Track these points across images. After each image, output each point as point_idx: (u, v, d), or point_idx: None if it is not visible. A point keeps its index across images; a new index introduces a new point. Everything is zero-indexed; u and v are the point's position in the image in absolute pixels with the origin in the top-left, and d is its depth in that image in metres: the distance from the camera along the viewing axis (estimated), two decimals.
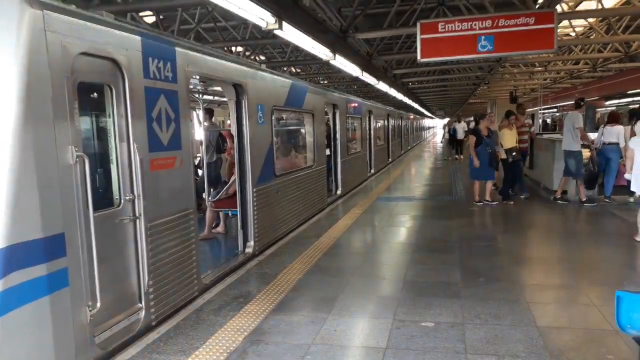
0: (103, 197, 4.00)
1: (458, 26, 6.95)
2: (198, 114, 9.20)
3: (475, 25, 6.88)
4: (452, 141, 23.28)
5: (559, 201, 9.80)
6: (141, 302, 4.18)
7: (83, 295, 3.47)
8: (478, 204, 9.97)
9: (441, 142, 28.92)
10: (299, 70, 20.87)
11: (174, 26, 11.20)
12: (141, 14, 11.87)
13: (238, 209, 6.48)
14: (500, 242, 7.09)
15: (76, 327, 3.39)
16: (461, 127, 22.47)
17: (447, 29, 7.00)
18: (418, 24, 7.18)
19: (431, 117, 55.68)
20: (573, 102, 10.72)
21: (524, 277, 5.56)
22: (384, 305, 4.73)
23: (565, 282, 5.36)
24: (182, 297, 4.76)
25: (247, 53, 15.53)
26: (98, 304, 3.56)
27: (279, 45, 15.36)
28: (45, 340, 3.14)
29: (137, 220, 4.13)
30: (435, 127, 69.21)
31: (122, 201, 4.03)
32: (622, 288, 3.11)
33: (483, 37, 6.84)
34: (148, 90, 4.29)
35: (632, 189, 6.65)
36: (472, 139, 9.84)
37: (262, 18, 5.50)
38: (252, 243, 6.50)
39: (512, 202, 10.05)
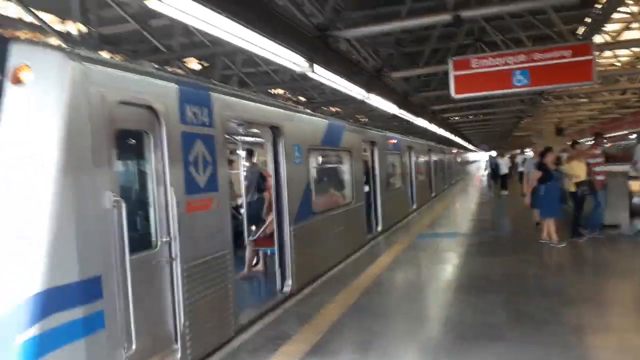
0: (141, 240, 4.10)
1: (492, 62, 6.91)
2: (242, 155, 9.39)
3: (509, 60, 6.82)
4: (495, 176, 22.01)
5: None
6: (177, 343, 4.20)
7: (119, 336, 3.53)
8: (547, 242, 8.89)
9: (484, 177, 27.72)
10: (338, 110, 21.15)
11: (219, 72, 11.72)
12: (187, 60, 12.46)
13: (276, 247, 6.51)
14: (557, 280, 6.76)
15: None
16: (504, 162, 21.43)
17: (480, 65, 6.97)
18: (450, 61, 7.19)
19: (475, 151, 54.76)
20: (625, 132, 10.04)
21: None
22: (424, 349, 4.56)
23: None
24: (218, 337, 4.75)
25: (287, 95, 15.90)
26: (134, 346, 3.60)
27: (318, 87, 15.68)
28: None
29: (174, 262, 4.20)
30: (480, 161, 68.03)
31: (159, 243, 4.13)
32: None
33: (518, 72, 6.76)
34: (185, 135, 4.44)
35: None
36: (537, 174, 8.91)
37: (295, 62, 5.64)
38: (290, 282, 6.48)
39: (581, 240, 9.03)
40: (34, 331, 2.91)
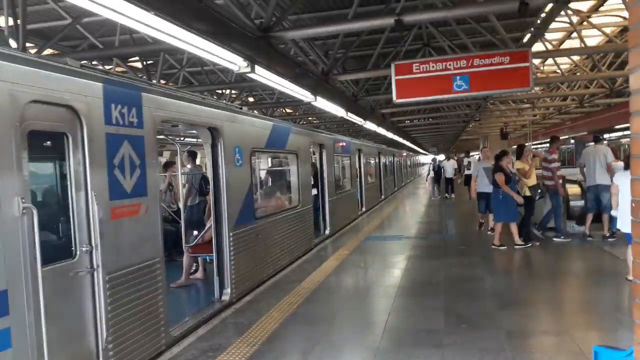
0: (58, 249, 3.80)
1: (432, 66, 6.93)
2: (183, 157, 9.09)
3: (450, 65, 6.87)
4: (438, 179, 21.43)
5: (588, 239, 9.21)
6: None
7: (29, 356, 3.23)
8: (500, 247, 8.99)
9: (426, 180, 25.26)
10: (290, 111, 21.01)
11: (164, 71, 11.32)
12: (131, 60, 11.99)
13: (214, 254, 6.27)
14: (490, 284, 6.86)
15: None
16: (451, 165, 20.47)
17: (421, 70, 6.98)
18: (392, 65, 7.18)
19: (425, 154, 55.97)
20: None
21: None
22: (362, 356, 4.49)
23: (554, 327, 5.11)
24: (147, 352, 4.48)
25: (234, 95, 15.61)
26: None
27: (268, 88, 15.49)
28: None
29: (95, 272, 3.92)
30: (429, 164, 69.68)
31: (78, 252, 3.84)
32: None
33: (458, 77, 6.82)
34: (110, 136, 4.16)
35: (617, 226, 6.47)
36: (502, 176, 8.82)
37: (233, 62, 5.45)
38: (228, 290, 6.25)
39: (538, 243, 9.17)
40: None
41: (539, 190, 9.77)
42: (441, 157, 25.93)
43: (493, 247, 9.07)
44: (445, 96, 7.23)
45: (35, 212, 3.28)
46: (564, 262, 8.10)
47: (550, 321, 5.30)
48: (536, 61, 14.21)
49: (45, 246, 3.40)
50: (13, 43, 7.16)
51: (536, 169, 10.24)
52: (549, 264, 8.03)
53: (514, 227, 9.06)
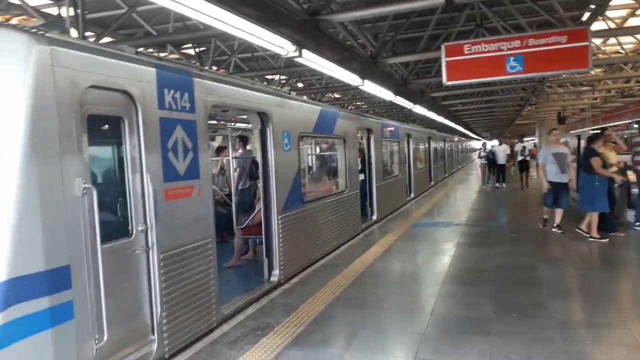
0: (116, 228, 4.00)
1: (485, 47, 6.69)
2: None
3: (503, 45, 6.60)
4: (491, 167, 19.28)
5: None
6: (154, 334, 4.11)
7: (89, 327, 3.43)
8: (588, 236, 8.36)
9: (479, 166, 22.45)
10: (338, 96, 20.95)
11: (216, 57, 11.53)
12: (185, 47, 12.27)
13: (263, 236, 6.41)
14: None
15: None
16: (502, 151, 18.62)
17: (473, 51, 6.75)
18: (442, 47, 6.99)
19: (477, 139, 54.48)
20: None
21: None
22: (406, 342, 4.48)
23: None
24: (198, 328, 4.66)
25: (283, 81, 15.70)
26: (105, 337, 3.51)
27: (317, 72, 15.49)
28: None
29: (150, 251, 4.10)
30: (479, 150, 67.70)
31: (135, 232, 4.02)
32: None
33: (512, 58, 6.55)
34: (163, 121, 4.31)
35: None
36: (598, 161, 8.11)
37: (281, 46, 5.48)
38: (277, 271, 6.38)
39: (622, 234, 8.54)
40: None
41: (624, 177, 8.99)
42: (494, 142, 24.17)
43: (591, 239, 8.32)
44: (498, 78, 6.96)
45: (94, 192, 3.46)
46: (633, 253, 7.71)
47: (607, 313, 5.08)
48: (597, 41, 13.45)
49: (103, 225, 3.59)
50: (74, 32, 7.49)
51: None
52: (614, 254, 7.66)
53: (596, 218, 8.34)
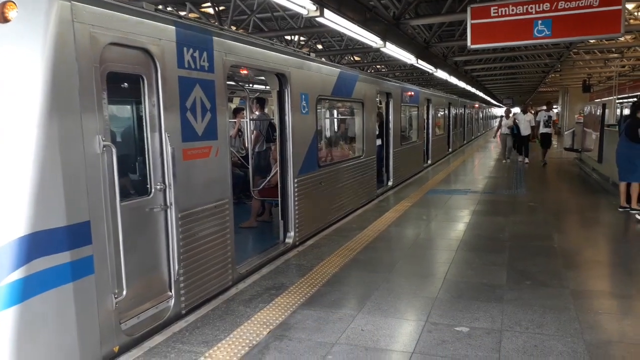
0: (134, 186, 4.06)
1: (512, 10, 6.46)
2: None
3: (531, 8, 6.36)
4: (514, 138, 16.68)
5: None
6: (171, 291, 4.22)
7: (109, 282, 3.53)
8: (632, 211, 8.10)
9: (494, 137, 20.07)
10: (357, 59, 20.60)
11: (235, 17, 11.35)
12: (204, 5, 12.10)
13: (279, 198, 6.45)
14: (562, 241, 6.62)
15: (101, 314, 3.46)
16: (527, 120, 16.25)
17: (500, 13, 6.53)
18: (468, 9, 6.77)
19: (499, 106, 53.45)
20: None
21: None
22: (418, 305, 4.53)
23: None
24: (215, 286, 4.77)
25: (302, 42, 15.44)
26: (124, 292, 3.62)
27: (337, 34, 15.19)
28: (68, 324, 3.22)
29: (168, 210, 4.16)
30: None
31: (153, 190, 4.07)
32: None
33: (540, 22, 6.33)
34: (182, 80, 4.29)
35: None
36: None
37: (302, 5, 5.37)
38: (292, 233, 6.46)
39: None
40: (19, 274, 2.91)
41: None
42: (516, 110, 19.89)
43: (633, 211, 8.10)
44: (524, 42, 6.74)
45: (114, 149, 3.49)
46: None
47: (622, 284, 5.07)
48: (629, 5, 12.91)
49: (123, 183, 3.64)
50: None
51: None
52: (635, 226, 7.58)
53: (636, 188, 8.06)
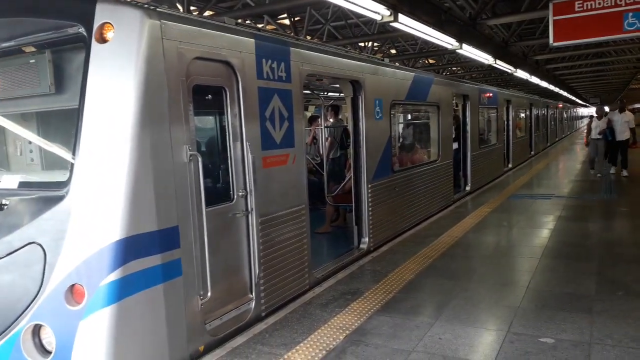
0: (218, 193, 4.26)
1: (599, 3, 6.07)
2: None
3: (620, 0, 5.96)
4: (609, 146, 13.20)
5: None
6: (252, 293, 4.38)
7: (195, 284, 3.74)
8: None
9: (585, 144, 15.26)
10: (432, 61, 20.27)
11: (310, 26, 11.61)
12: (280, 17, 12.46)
13: (353, 204, 6.49)
14: None
15: (188, 314, 3.66)
16: (625, 121, 12.85)
17: (585, 8, 6.16)
18: (550, 5, 6.45)
19: (585, 105, 50.32)
20: None
21: None
22: (499, 315, 4.38)
23: None
24: (292, 289, 4.89)
25: (376, 48, 15.43)
26: (209, 293, 3.81)
27: (411, 38, 15.05)
28: (159, 323, 3.45)
29: (250, 215, 4.33)
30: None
31: (236, 196, 4.26)
32: None
33: (631, 14, 5.90)
34: (261, 90, 4.46)
35: None
36: None
37: (376, 11, 5.39)
38: (366, 239, 6.47)
39: None
40: (116, 275, 3.16)
41: None
42: (606, 109, 14.32)
43: None
44: (614, 37, 6.32)
45: (200, 158, 3.70)
46: None
47: None
48: None
49: (208, 190, 3.84)
50: (179, 6, 7.88)
51: None
52: None
53: None
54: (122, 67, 3.36)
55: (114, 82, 3.36)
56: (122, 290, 3.20)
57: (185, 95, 3.66)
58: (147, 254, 3.35)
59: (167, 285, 3.48)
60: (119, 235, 3.19)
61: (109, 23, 3.42)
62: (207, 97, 4.26)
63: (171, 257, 3.52)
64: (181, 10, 7.59)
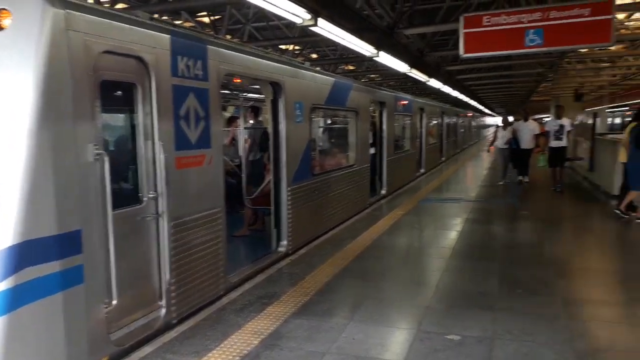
0: (126, 195, 4.04)
1: (504, 19, 6.53)
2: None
3: (523, 18, 6.44)
4: (513, 156, 13.36)
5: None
6: (162, 300, 4.20)
7: (99, 292, 3.51)
8: (624, 216, 8.20)
9: (488, 150, 17.11)
10: (352, 68, 20.69)
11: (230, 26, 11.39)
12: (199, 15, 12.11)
13: (272, 207, 6.45)
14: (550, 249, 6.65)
15: (91, 324, 3.43)
16: (530, 130, 13.05)
17: (492, 23, 6.60)
18: (461, 18, 6.84)
19: (492, 115, 53.74)
20: None
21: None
22: (410, 314, 4.54)
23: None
24: (206, 295, 4.75)
25: (297, 52, 15.49)
26: (114, 301, 3.59)
27: (331, 43, 15.26)
28: (57, 335, 3.19)
29: (160, 218, 4.15)
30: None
31: (145, 199, 4.06)
32: None
33: (532, 31, 6.41)
34: (176, 88, 4.30)
35: None
36: None
37: (296, 14, 5.40)
38: (285, 242, 6.45)
39: None
40: (6, 284, 2.88)
41: None
42: (510, 118, 15.42)
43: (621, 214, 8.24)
44: (516, 51, 6.82)
45: (106, 158, 3.49)
46: None
47: (614, 293, 5.11)
48: (620, 15, 13.06)
49: (115, 192, 3.63)
50: None
51: None
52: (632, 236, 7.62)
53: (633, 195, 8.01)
54: (20, 58, 3.09)
55: (11, 73, 3.08)
56: (15, 300, 2.93)
57: (91, 91, 3.44)
58: (45, 260, 3.09)
59: (66, 293, 3.23)
60: (11, 241, 2.92)
61: (5, 9, 3.14)
62: (117, 94, 4.03)
63: (72, 264, 3.28)
64: (90, 1, 7.15)
